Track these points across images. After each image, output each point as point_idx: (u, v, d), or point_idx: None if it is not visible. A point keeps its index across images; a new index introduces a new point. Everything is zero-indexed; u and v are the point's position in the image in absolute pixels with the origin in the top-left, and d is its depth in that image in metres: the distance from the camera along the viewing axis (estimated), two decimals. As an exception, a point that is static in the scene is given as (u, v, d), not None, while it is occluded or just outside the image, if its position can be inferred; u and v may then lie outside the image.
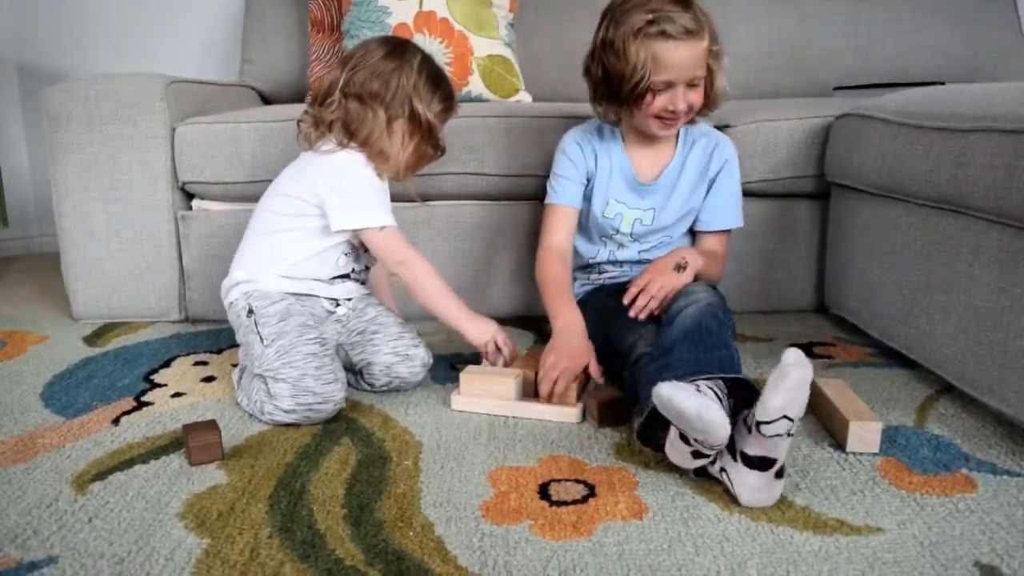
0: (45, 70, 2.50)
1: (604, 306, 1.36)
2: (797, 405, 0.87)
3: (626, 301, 1.25)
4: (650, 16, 1.21)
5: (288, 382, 1.14)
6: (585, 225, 1.44)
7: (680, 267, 1.26)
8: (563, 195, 1.39)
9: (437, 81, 1.29)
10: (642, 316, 1.23)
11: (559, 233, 1.39)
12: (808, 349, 1.48)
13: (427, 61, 1.29)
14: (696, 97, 1.27)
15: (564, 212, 1.39)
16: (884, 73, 2.11)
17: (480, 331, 1.26)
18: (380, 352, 1.27)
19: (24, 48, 2.51)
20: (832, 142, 1.57)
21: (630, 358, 1.18)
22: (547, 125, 1.60)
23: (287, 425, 1.16)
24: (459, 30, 1.92)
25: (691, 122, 1.35)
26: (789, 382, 0.87)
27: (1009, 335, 1.05)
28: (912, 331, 1.30)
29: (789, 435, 0.89)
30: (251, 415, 1.19)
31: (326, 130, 1.27)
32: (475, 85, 1.93)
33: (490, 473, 1.01)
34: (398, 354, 1.27)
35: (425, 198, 1.65)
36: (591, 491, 0.96)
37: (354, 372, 1.32)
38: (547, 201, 1.42)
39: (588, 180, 1.40)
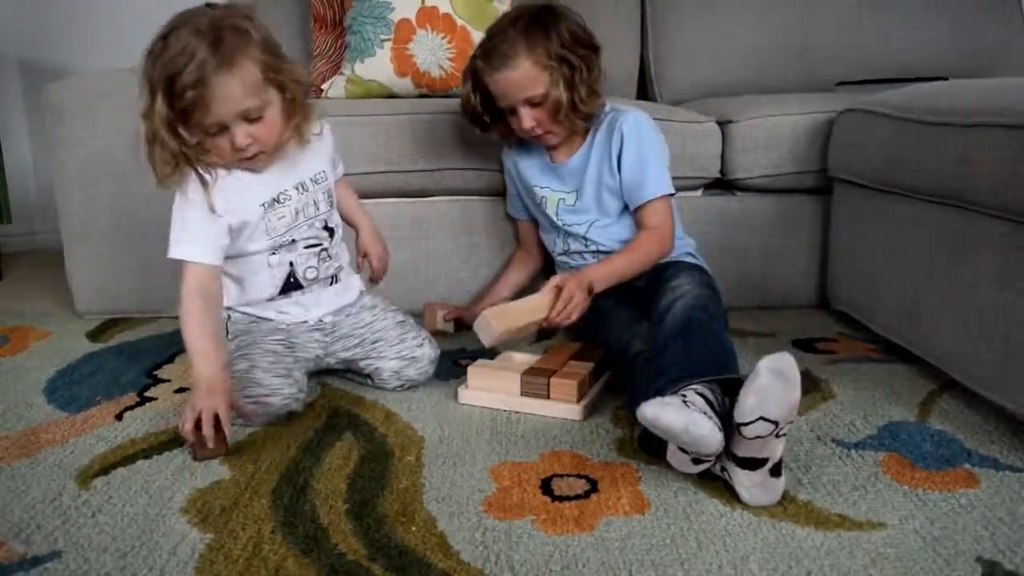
0: (47, 66, 2.50)
1: (595, 303, 1.36)
2: (773, 406, 0.86)
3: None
4: (479, 49, 1.32)
5: (236, 376, 1.12)
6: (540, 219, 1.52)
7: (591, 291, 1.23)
8: (512, 206, 1.58)
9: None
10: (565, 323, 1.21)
11: (520, 243, 1.61)
12: (810, 345, 1.48)
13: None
14: (539, 114, 1.29)
15: (519, 224, 1.59)
16: (887, 68, 2.10)
17: (201, 382, 1.06)
18: (386, 359, 1.26)
19: (26, 44, 2.50)
20: (835, 137, 1.56)
21: (626, 355, 1.18)
22: (549, 120, 1.59)
23: (288, 418, 1.16)
24: (461, 25, 1.92)
25: (585, 117, 1.32)
26: (760, 381, 0.86)
27: (1011, 330, 1.05)
28: (914, 326, 1.30)
29: (778, 436, 0.88)
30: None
31: None
32: (477, 80, 1.93)
33: (492, 468, 1.01)
34: (404, 358, 1.26)
35: (428, 193, 1.65)
36: (593, 486, 0.96)
37: (364, 375, 1.30)
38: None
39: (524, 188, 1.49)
